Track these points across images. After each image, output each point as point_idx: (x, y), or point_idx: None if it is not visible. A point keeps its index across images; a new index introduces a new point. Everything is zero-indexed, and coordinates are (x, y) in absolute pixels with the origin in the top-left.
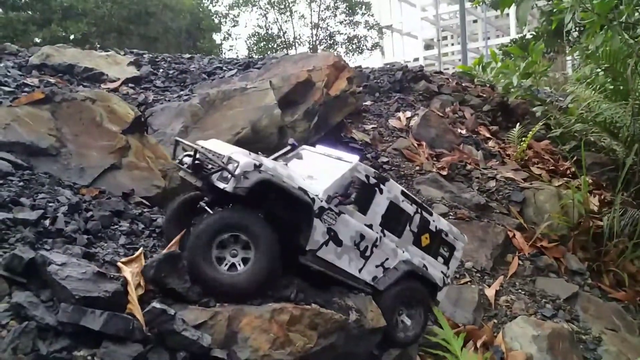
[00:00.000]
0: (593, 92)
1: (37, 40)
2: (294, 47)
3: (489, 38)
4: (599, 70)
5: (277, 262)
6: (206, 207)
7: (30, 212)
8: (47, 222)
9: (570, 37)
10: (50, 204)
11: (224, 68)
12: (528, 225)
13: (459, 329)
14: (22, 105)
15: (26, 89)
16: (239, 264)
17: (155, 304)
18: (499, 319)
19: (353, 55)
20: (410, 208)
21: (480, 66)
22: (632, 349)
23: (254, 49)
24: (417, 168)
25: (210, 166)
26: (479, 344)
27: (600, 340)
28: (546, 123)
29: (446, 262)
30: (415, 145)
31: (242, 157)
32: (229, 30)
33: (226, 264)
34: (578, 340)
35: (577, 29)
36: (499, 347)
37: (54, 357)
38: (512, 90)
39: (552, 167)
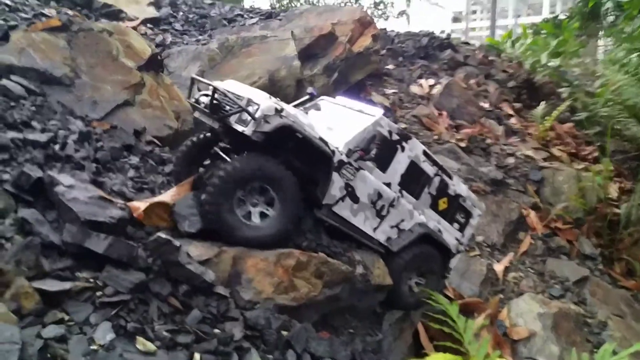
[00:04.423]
0: (625, 75)
1: None
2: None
3: (519, 16)
4: (634, 54)
5: (297, 218)
6: (220, 152)
7: (41, 135)
8: (56, 146)
9: (605, 21)
10: (61, 131)
11: (245, 16)
12: (543, 205)
13: (464, 301)
14: (38, 31)
15: (43, 19)
16: (259, 215)
17: (161, 234)
18: (506, 294)
19: (378, 21)
20: (430, 169)
21: (510, 41)
22: (637, 336)
23: (277, 5)
24: (435, 137)
25: (228, 107)
26: (482, 316)
27: (606, 325)
28: (572, 105)
29: (461, 229)
30: (436, 114)
31: (264, 100)
32: None
33: (246, 214)
34: (583, 323)
35: (613, 12)
36: (502, 321)
37: (57, 275)
38: (540, 68)
39: (574, 151)
